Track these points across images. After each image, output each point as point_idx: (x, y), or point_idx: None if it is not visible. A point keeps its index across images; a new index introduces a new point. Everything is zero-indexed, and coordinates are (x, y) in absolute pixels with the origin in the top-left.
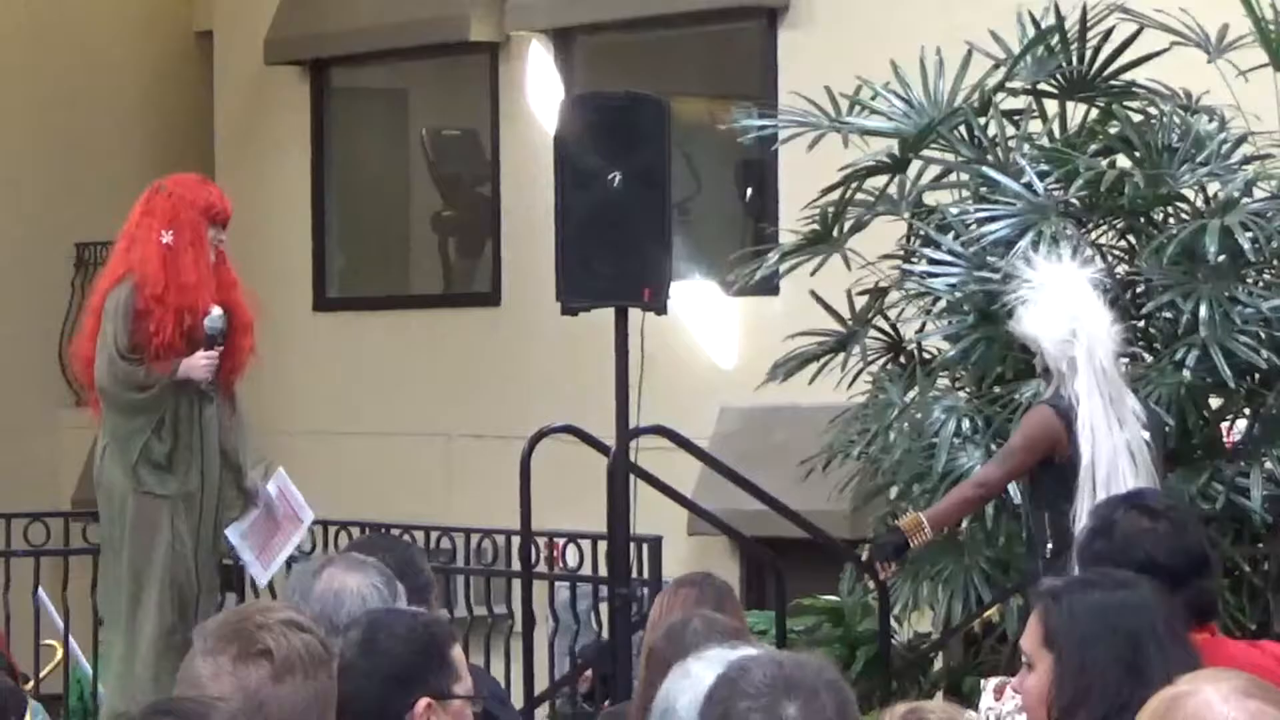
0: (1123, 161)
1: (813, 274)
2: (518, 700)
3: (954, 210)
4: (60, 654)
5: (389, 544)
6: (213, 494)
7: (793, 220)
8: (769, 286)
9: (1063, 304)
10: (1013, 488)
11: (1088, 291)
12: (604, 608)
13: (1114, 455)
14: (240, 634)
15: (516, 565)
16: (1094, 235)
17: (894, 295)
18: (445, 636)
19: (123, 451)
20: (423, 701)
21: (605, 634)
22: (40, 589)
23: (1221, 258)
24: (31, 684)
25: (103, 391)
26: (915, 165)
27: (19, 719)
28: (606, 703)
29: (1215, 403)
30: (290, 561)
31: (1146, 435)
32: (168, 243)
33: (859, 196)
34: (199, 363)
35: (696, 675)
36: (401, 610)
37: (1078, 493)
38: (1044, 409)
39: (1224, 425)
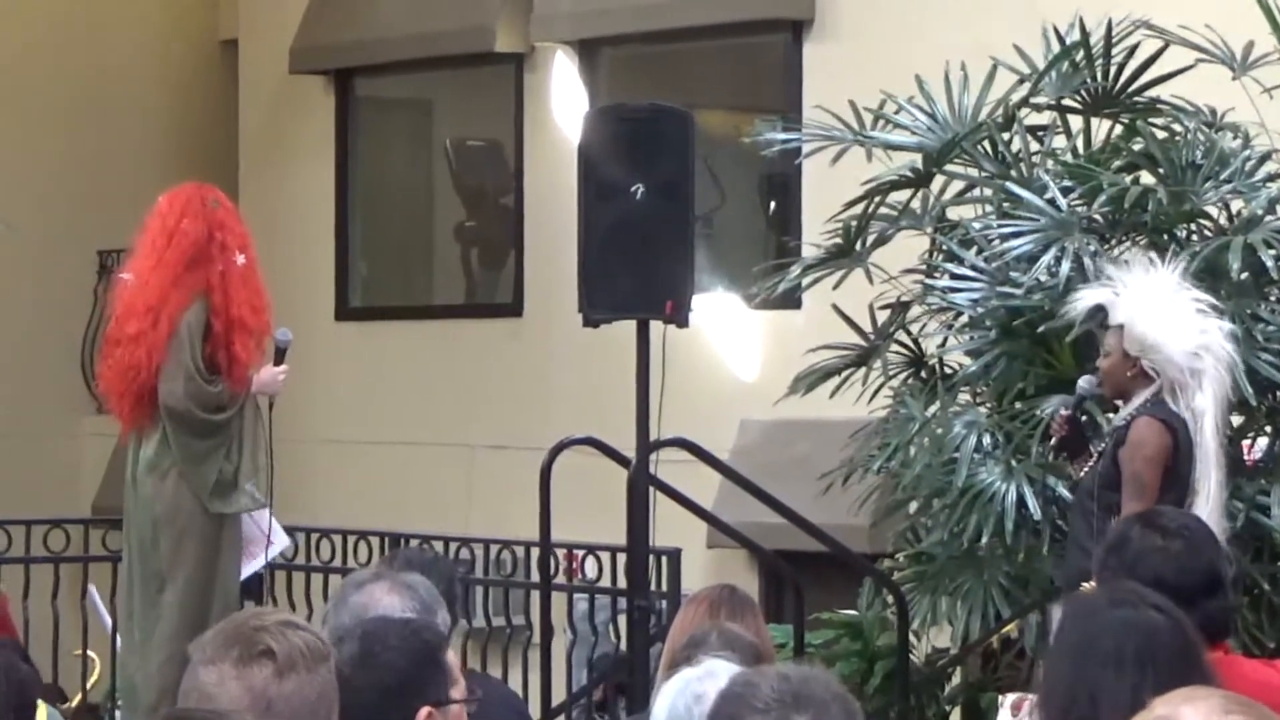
0: (1146, 178)
1: (835, 288)
2: (535, 712)
3: (977, 225)
4: (99, 667)
5: (431, 563)
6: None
7: (816, 234)
8: (791, 300)
9: (1187, 318)
10: (1031, 500)
11: (1206, 311)
12: (623, 620)
13: (1216, 487)
14: (239, 638)
15: (535, 576)
16: (1117, 252)
17: (916, 310)
18: (439, 642)
19: (197, 473)
20: (424, 711)
21: (624, 646)
22: (93, 587)
23: (1244, 275)
24: (75, 700)
25: (175, 412)
26: (938, 180)
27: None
28: (623, 712)
29: (1236, 420)
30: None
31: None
32: (242, 264)
33: (882, 211)
34: (278, 377)
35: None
36: (393, 619)
37: (1192, 489)
38: (1151, 423)
39: (1245, 443)
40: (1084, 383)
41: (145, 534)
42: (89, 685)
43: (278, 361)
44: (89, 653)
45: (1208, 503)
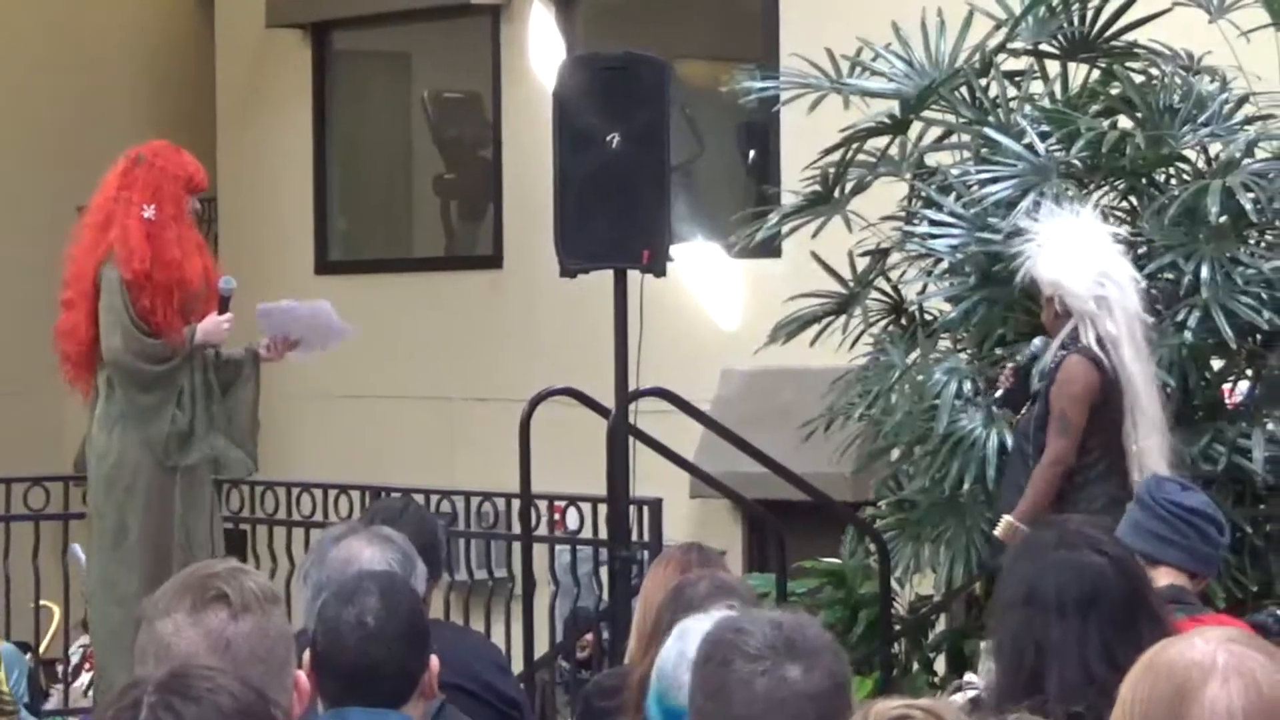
0: (1124, 122)
1: (814, 235)
2: (517, 664)
3: (955, 171)
4: (58, 618)
5: (416, 519)
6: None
7: (794, 181)
8: (770, 248)
9: (1087, 250)
10: (1012, 446)
11: (1109, 243)
12: (605, 571)
13: (1145, 385)
14: (191, 587)
15: (517, 528)
16: (1095, 196)
17: (895, 257)
18: None
19: (144, 426)
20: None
21: (606, 597)
22: (75, 544)
23: (1223, 218)
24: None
25: (119, 366)
26: (916, 126)
27: None
28: (606, 666)
29: (1217, 364)
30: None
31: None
32: (149, 218)
33: (860, 158)
34: (222, 326)
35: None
36: (393, 573)
37: (1128, 414)
38: (1081, 360)
39: (1226, 386)
40: (1038, 342)
41: (99, 490)
42: (47, 637)
43: (222, 310)
44: (46, 603)
45: (1148, 426)
